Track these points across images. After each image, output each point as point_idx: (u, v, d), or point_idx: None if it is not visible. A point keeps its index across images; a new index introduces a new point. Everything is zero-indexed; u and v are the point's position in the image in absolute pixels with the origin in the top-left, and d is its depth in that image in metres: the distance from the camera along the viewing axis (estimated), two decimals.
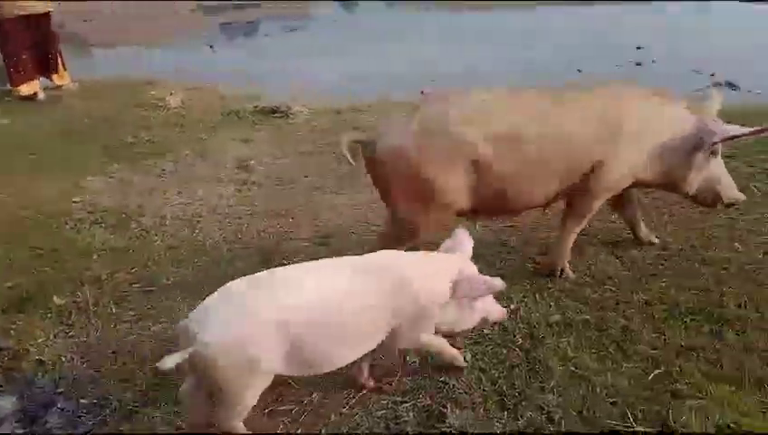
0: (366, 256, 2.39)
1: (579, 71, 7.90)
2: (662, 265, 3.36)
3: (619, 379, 2.49)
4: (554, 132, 2.90)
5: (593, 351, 2.67)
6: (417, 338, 2.36)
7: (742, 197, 3.31)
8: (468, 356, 2.64)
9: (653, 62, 8.33)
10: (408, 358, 2.66)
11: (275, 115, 6.30)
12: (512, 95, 3.03)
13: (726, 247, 3.48)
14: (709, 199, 3.30)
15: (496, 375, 2.55)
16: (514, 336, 2.78)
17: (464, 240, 2.52)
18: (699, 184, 3.21)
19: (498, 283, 2.34)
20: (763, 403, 2.34)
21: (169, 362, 1.90)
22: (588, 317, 2.90)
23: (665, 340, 2.72)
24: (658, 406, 2.34)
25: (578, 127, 2.93)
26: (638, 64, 8.30)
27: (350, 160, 2.91)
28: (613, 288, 3.14)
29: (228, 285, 2.12)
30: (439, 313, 2.34)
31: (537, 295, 3.09)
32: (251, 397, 2.12)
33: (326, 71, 8.25)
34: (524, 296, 3.08)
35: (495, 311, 2.52)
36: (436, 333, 2.42)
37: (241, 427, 2.20)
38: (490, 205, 3.04)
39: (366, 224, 3.97)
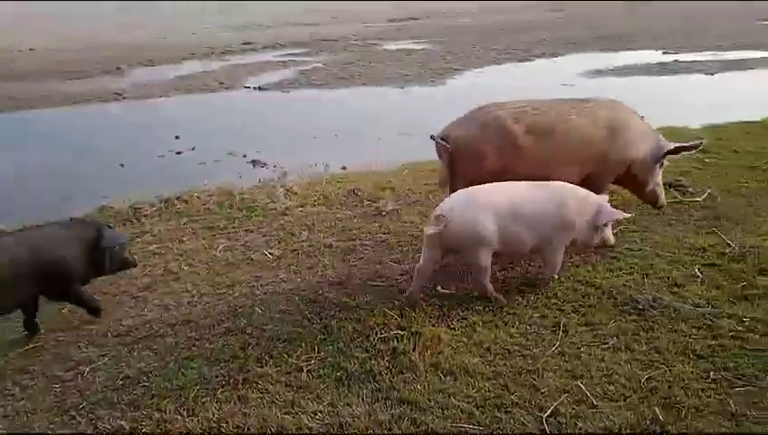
0: (543, 182, 4.05)
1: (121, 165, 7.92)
2: None
3: None
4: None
5: None
6: (560, 247, 4.06)
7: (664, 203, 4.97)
8: None
9: (192, 149, 8.87)
10: None
11: None
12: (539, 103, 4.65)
13: None
14: (653, 199, 4.82)
15: None
16: None
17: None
18: (653, 186, 4.76)
19: (623, 214, 4.12)
20: None
21: (430, 230, 3.76)
22: None
23: None
24: None
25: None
26: (179, 153, 8.72)
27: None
28: None
29: (466, 189, 3.95)
30: (582, 229, 3.99)
31: None
32: (484, 260, 3.84)
33: None
34: None
35: (611, 238, 4.19)
36: (573, 244, 4.12)
37: (490, 287, 3.96)
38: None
39: None
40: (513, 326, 3.73)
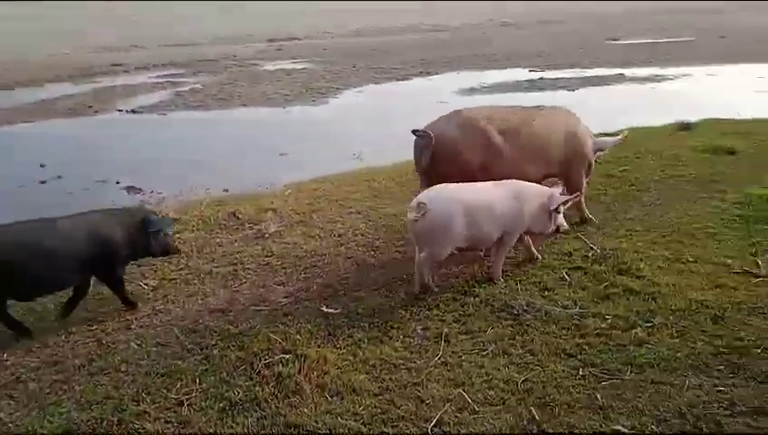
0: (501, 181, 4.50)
1: None
2: None
3: None
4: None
5: None
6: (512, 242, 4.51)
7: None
8: None
9: (58, 177, 8.31)
10: None
11: None
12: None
13: None
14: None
15: None
16: None
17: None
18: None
19: (569, 197, 4.59)
20: None
21: (411, 215, 4.12)
22: None
23: None
24: None
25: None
26: (43, 182, 8.14)
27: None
28: None
29: (446, 184, 4.31)
30: (535, 218, 4.41)
31: None
32: (444, 254, 4.27)
33: None
34: None
35: (564, 223, 4.62)
36: (527, 234, 4.60)
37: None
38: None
39: None
40: (397, 340, 3.79)
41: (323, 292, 4.46)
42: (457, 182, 4.40)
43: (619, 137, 5.69)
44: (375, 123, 11.10)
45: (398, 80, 16.20)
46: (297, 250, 5.20)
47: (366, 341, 3.79)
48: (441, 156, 4.82)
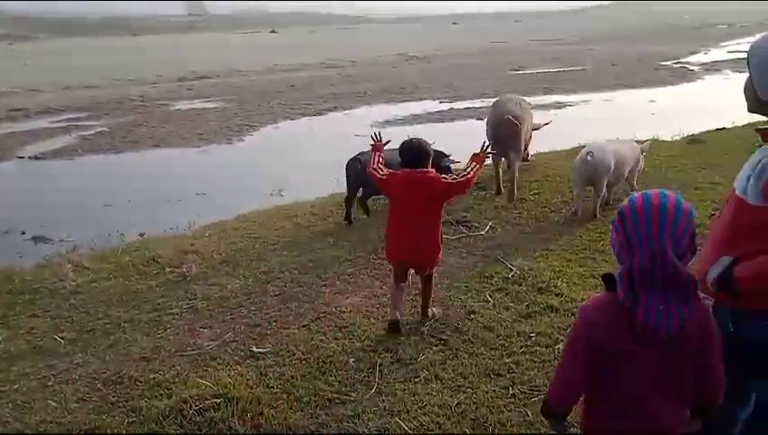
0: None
1: None
2: None
3: None
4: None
5: None
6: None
7: None
8: None
9: None
10: None
11: None
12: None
13: None
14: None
15: None
16: None
17: None
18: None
19: None
20: None
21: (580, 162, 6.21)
22: None
23: None
24: None
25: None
26: None
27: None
28: None
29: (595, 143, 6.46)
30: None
31: None
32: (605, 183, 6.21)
33: None
34: None
35: None
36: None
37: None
38: None
39: None
40: (331, 374, 3.79)
41: (251, 332, 4.40)
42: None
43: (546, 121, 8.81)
44: (293, 159, 11.12)
45: (313, 115, 16.31)
46: (222, 291, 5.10)
47: (299, 378, 3.77)
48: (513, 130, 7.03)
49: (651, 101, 15.91)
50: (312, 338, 4.22)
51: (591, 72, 22.12)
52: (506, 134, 6.95)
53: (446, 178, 4.28)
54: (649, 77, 19.91)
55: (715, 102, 13.93)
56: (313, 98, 18.67)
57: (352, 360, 3.94)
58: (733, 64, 21.11)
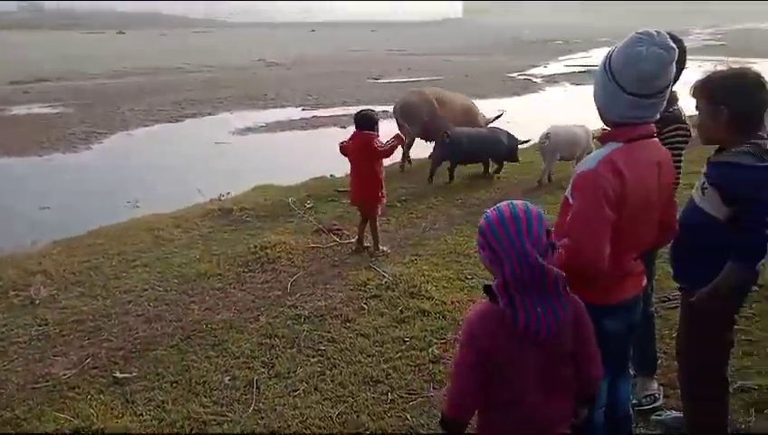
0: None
1: None
2: None
3: None
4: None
5: None
6: None
7: None
8: None
9: None
10: None
11: None
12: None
13: None
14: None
15: None
16: None
17: None
18: None
19: None
20: None
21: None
22: None
23: None
24: None
25: None
26: None
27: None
28: None
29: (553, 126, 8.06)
30: None
31: None
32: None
33: None
34: None
35: None
36: None
37: None
38: None
39: None
40: (205, 396, 3.62)
41: (114, 356, 4.09)
42: None
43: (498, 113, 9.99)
44: (149, 168, 10.50)
45: (170, 121, 15.56)
46: (77, 314, 4.69)
47: (170, 402, 3.56)
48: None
49: (502, 110, 16.92)
50: (183, 358, 4.02)
51: (446, 83, 23.17)
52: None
53: (377, 144, 5.54)
54: (499, 88, 21.22)
55: (557, 112, 15.17)
56: (169, 103, 17.80)
57: (228, 378, 3.80)
58: (570, 77, 23.11)
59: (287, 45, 37.64)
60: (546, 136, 7.89)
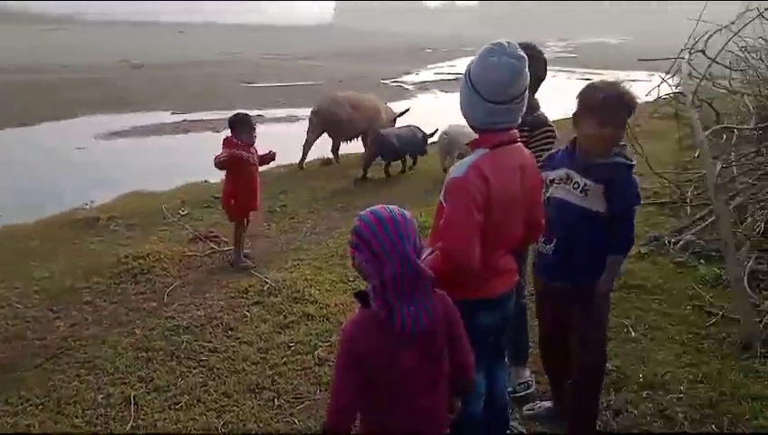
0: None
1: None
2: None
3: None
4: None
5: None
6: None
7: None
8: None
9: None
10: None
11: None
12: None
13: None
14: None
15: None
16: None
17: None
18: None
19: None
20: None
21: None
22: None
23: None
24: None
25: None
26: None
27: None
28: None
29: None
30: None
31: None
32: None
33: None
34: None
35: None
36: None
37: None
38: None
39: None
40: (76, 416, 3.39)
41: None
42: None
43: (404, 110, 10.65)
44: (3, 176, 9.63)
45: (20, 126, 14.32)
46: None
47: (37, 426, 3.31)
48: None
49: (408, 107, 17.21)
50: (50, 378, 3.73)
51: (324, 87, 23.25)
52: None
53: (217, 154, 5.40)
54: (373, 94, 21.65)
55: (432, 118, 15.71)
56: (19, 107, 16.39)
57: (101, 396, 3.58)
58: (439, 85, 24.05)
59: (153, 46, 35.97)
60: (445, 134, 8.44)
